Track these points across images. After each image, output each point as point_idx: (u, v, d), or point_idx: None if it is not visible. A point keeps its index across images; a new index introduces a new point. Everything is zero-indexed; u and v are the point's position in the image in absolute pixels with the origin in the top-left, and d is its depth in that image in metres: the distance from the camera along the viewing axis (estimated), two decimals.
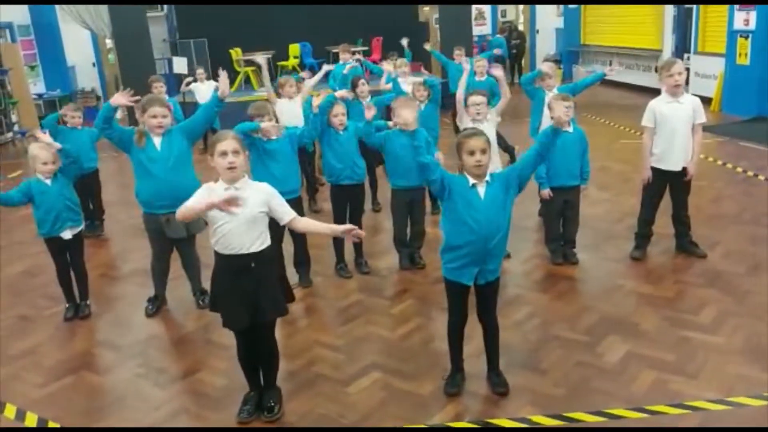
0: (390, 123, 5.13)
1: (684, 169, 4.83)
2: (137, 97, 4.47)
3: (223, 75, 4.40)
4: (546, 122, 5.33)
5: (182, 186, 4.35)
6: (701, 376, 3.51)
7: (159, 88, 7.63)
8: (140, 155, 4.32)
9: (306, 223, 3.34)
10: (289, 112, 6.31)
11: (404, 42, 9.59)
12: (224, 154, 3.06)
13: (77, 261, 4.72)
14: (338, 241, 5.17)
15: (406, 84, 7.15)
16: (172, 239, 4.49)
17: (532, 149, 3.36)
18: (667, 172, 4.84)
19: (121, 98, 4.35)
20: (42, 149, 4.45)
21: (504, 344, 3.60)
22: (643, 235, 5.11)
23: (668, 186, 4.96)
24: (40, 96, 14.00)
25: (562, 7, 16.73)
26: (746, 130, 9.37)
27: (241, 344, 3.35)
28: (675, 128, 4.73)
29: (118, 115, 4.51)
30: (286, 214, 3.21)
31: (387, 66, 7.52)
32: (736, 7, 10.46)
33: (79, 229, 4.64)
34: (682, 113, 4.73)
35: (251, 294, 3.15)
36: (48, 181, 4.46)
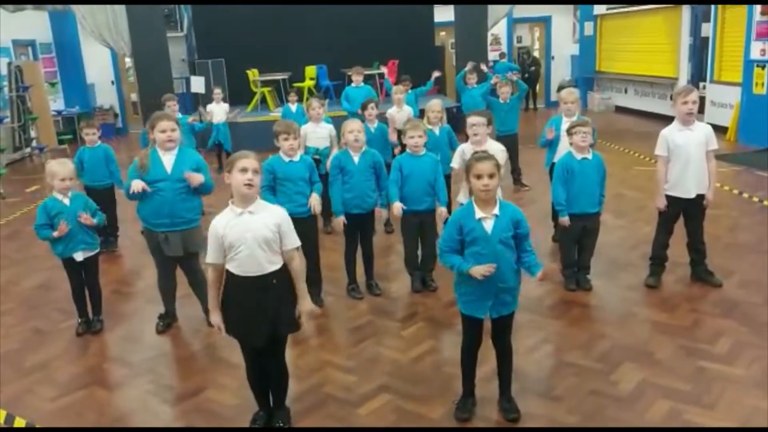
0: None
1: (698, 196, 4.81)
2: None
3: (195, 176, 4.27)
4: (563, 148, 5.31)
5: (184, 207, 4.36)
6: (718, 407, 3.45)
7: (173, 106, 7.59)
8: (146, 178, 4.28)
9: (297, 269, 3.26)
10: (314, 134, 6.32)
11: (435, 74, 9.66)
12: (245, 170, 3.07)
13: (92, 280, 4.74)
14: (350, 262, 5.17)
15: (399, 112, 7.17)
16: (173, 257, 4.50)
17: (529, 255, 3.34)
18: (681, 199, 4.82)
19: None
20: (60, 165, 4.49)
21: (517, 370, 3.56)
22: (658, 262, 5.07)
23: (683, 213, 4.94)
24: (59, 113, 14.20)
25: (577, 33, 16.79)
26: (763, 159, 9.30)
27: (251, 364, 3.33)
28: (689, 156, 4.72)
29: None
30: (292, 242, 3.19)
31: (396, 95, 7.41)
32: (753, 37, 10.47)
33: (93, 252, 4.64)
34: (695, 140, 4.73)
35: (271, 311, 3.15)
36: (66, 201, 4.49)
